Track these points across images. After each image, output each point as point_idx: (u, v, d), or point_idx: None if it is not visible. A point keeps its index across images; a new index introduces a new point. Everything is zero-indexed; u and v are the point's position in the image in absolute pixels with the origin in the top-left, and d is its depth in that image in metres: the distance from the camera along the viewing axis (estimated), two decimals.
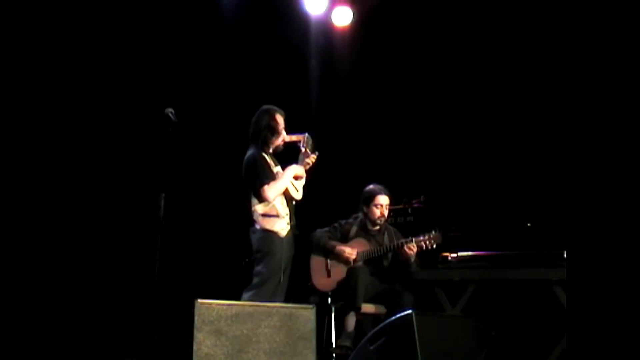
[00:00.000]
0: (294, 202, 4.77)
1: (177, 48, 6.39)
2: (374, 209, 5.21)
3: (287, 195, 4.71)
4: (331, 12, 6.67)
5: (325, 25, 6.75)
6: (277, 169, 4.73)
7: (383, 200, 5.23)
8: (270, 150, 4.78)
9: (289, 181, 4.71)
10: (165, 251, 4.06)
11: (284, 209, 4.66)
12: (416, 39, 6.60)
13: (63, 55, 5.92)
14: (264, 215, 4.59)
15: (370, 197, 5.24)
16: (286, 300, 4.63)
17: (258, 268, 4.56)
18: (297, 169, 4.76)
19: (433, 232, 5.05)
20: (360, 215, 5.34)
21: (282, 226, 4.61)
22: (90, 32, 6.01)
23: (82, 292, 5.80)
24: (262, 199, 4.59)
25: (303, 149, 4.82)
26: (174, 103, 4.41)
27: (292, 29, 6.73)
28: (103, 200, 6.06)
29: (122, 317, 5.76)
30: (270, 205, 4.60)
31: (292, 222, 4.70)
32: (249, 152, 4.73)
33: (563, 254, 5.01)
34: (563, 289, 5.02)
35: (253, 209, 4.61)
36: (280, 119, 4.78)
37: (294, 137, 4.84)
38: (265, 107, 4.83)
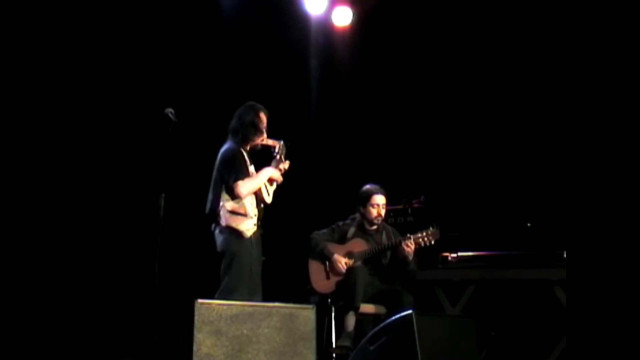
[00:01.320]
0: (262, 205, 4.68)
1: (177, 48, 6.39)
2: (371, 209, 5.20)
3: (258, 196, 4.63)
4: (331, 12, 6.67)
5: (325, 25, 6.75)
6: (251, 168, 4.67)
7: (379, 199, 5.22)
8: (248, 148, 4.71)
9: (263, 182, 4.64)
10: (165, 251, 4.05)
11: (253, 209, 4.56)
12: (416, 39, 6.60)
13: (63, 55, 5.92)
14: (232, 212, 4.50)
15: (367, 197, 5.23)
16: (286, 301, 4.62)
17: (225, 273, 4.48)
18: (272, 172, 4.69)
19: (431, 229, 5.04)
20: (358, 215, 5.33)
21: (248, 226, 4.52)
22: (90, 32, 6.01)
23: (82, 292, 5.80)
24: (234, 195, 4.49)
25: (277, 156, 4.76)
26: (174, 103, 4.41)
27: (292, 29, 6.73)
28: (103, 200, 6.06)
29: (122, 317, 5.76)
30: (240, 203, 4.51)
31: (259, 223, 4.62)
32: (227, 146, 4.66)
33: (563, 254, 5.01)
34: (563, 289, 5.02)
35: (221, 204, 4.52)
36: (264, 118, 4.71)
37: (269, 142, 4.78)
38: (250, 103, 4.76)
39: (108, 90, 6.13)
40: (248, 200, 4.55)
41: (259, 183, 4.61)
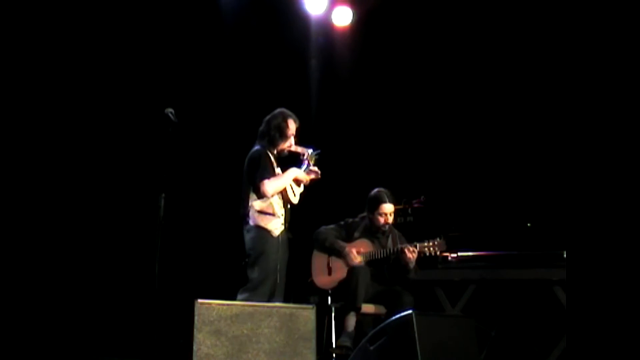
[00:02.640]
0: (289, 206, 4.76)
1: (177, 48, 6.39)
2: (379, 217, 5.16)
3: (284, 196, 4.71)
4: (331, 12, 6.67)
5: (325, 25, 6.75)
6: (278, 170, 4.74)
7: (388, 208, 5.17)
8: (275, 152, 4.78)
9: (289, 182, 4.73)
10: (165, 251, 4.06)
11: (280, 209, 4.66)
12: (416, 39, 6.60)
13: (63, 55, 5.92)
14: (260, 212, 4.59)
15: (375, 205, 5.17)
16: (286, 300, 4.63)
17: (252, 270, 4.55)
18: (298, 172, 4.78)
19: (437, 239, 5.01)
20: (366, 218, 5.30)
21: (276, 225, 4.61)
22: (91, 32, 6.01)
23: (82, 292, 5.80)
24: (260, 195, 4.57)
25: (305, 163, 4.85)
26: (174, 103, 4.41)
27: (292, 29, 6.73)
28: (103, 200, 6.06)
29: (123, 317, 5.76)
30: (268, 202, 4.60)
31: (286, 225, 4.70)
32: (254, 148, 4.76)
33: (563, 254, 5.02)
34: (563, 289, 5.03)
35: (250, 204, 4.61)
36: (292, 125, 4.78)
37: (298, 149, 4.86)
38: (282, 109, 4.84)
39: (108, 90, 6.13)
40: (275, 200, 4.63)
41: (285, 183, 4.69)
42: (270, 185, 4.57)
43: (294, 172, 4.76)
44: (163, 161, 4.18)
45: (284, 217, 4.68)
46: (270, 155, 4.72)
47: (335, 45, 6.86)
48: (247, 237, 4.63)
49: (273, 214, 4.61)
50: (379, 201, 5.17)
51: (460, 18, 6.40)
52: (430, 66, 6.60)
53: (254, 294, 4.42)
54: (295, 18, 6.66)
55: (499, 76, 6.34)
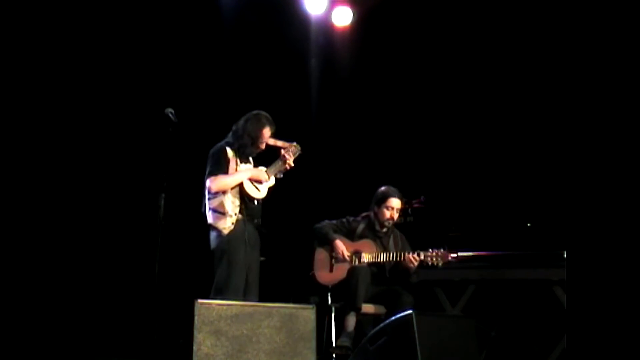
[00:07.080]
0: (255, 202, 4.65)
1: (177, 48, 6.39)
2: (385, 210, 5.17)
3: (244, 193, 4.59)
4: (331, 12, 6.67)
5: (325, 25, 6.75)
6: (241, 166, 4.65)
7: (395, 203, 5.17)
8: (242, 151, 4.69)
9: (239, 180, 4.58)
10: (165, 251, 4.06)
11: (233, 208, 4.54)
12: (416, 39, 6.60)
13: (63, 55, 5.92)
14: (213, 210, 4.54)
15: (383, 199, 5.18)
16: (286, 300, 4.62)
17: (215, 271, 4.52)
18: (253, 172, 4.67)
19: (442, 250, 4.98)
20: (371, 214, 5.30)
21: (225, 224, 4.51)
22: (91, 32, 6.01)
23: (82, 292, 5.80)
24: (212, 193, 4.52)
25: (284, 157, 4.70)
26: (174, 103, 4.41)
27: (292, 29, 6.74)
28: (103, 200, 6.06)
29: (122, 317, 5.76)
30: (219, 200, 4.51)
31: (256, 220, 4.64)
32: (219, 144, 4.70)
33: (563, 254, 5.02)
34: (563, 289, 5.03)
35: (205, 202, 4.57)
36: (267, 134, 4.69)
37: (278, 143, 4.75)
38: (260, 113, 4.72)
39: (108, 90, 6.13)
40: (228, 197, 4.55)
41: (233, 181, 4.57)
42: (215, 182, 4.50)
43: (247, 173, 4.64)
44: (163, 161, 4.18)
45: (236, 215, 4.54)
46: (229, 151, 4.63)
47: (335, 45, 6.85)
48: (210, 236, 4.60)
49: (224, 213, 4.52)
50: (387, 195, 5.18)
51: (460, 18, 6.40)
52: (430, 66, 6.60)
53: (223, 296, 4.33)
54: (295, 18, 6.66)
55: (499, 76, 6.33)
